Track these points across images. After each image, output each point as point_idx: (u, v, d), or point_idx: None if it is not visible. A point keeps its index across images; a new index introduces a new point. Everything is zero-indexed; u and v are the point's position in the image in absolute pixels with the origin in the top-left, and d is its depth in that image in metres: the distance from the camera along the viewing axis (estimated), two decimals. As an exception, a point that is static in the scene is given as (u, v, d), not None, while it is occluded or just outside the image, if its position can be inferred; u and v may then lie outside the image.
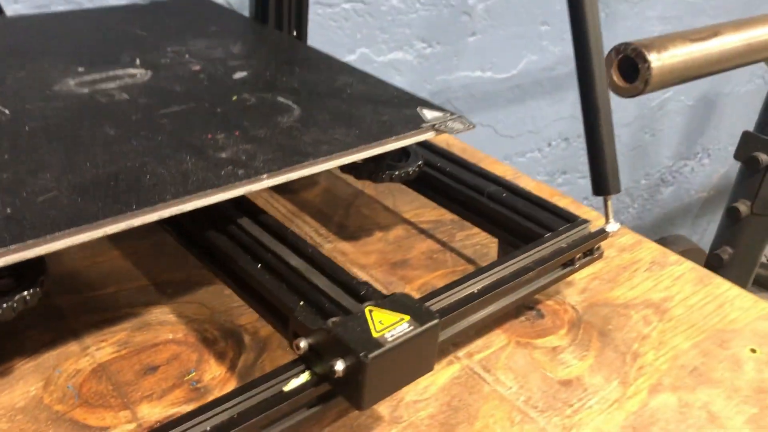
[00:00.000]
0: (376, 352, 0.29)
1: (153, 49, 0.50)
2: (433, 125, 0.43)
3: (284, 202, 0.54)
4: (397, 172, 0.45)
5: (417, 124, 0.43)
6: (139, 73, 0.46)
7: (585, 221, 0.45)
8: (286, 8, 0.58)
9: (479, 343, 0.43)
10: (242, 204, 0.40)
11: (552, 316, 0.45)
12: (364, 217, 0.53)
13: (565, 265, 0.44)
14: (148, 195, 0.33)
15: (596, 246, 0.45)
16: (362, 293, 0.34)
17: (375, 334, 0.30)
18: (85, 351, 0.39)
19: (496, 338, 0.43)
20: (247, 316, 0.42)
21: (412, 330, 0.31)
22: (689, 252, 1.36)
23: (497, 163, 0.63)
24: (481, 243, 0.51)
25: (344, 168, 0.46)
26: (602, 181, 0.46)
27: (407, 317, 0.31)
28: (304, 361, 0.31)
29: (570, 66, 1.37)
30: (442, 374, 0.40)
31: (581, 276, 0.49)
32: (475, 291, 0.37)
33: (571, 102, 1.44)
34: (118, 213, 0.32)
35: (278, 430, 0.30)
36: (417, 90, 1.16)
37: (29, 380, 0.36)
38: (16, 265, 0.30)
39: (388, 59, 1.10)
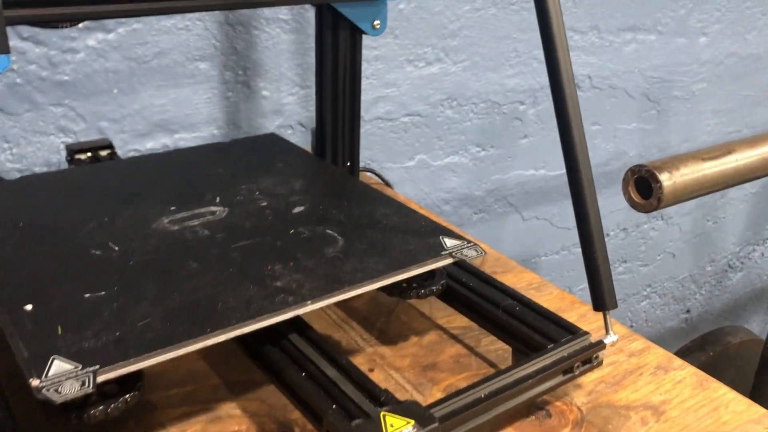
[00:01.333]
0: (385, 450, 0.38)
1: (230, 186, 0.62)
2: (451, 253, 0.53)
3: (335, 309, 0.63)
4: (423, 291, 0.54)
5: (437, 251, 0.53)
6: (218, 211, 0.58)
7: (585, 333, 0.53)
8: (340, 143, 0.70)
9: (492, 439, 0.50)
10: (293, 321, 0.50)
11: (558, 416, 0.52)
12: (402, 323, 0.62)
13: (565, 372, 0.51)
14: (219, 319, 0.44)
15: (594, 355, 0.52)
16: (382, 399, 0.43)
17: (386, 435, 0.39)
18: (169, 439, 0.49)
19: (508, 435, 0.51)
20: (298, 412, 0.51)
21: (415, 432, 0.39)
22: (747, 343, 1.37)
23: (525, 271, 0.71)
24: (503, 348, 0.59)
25: (379, 288, 0.55)
26: (599, 298, 0.54)
27: (412, 422, 0.40)
28: (334, 453, 0.40)
29: (622, 160, 1.44)
30: (456, 466, 0.47)
31: (590, 379, 0.56)
32: (481, 396, 0.46)
33: (626, 194, 1.49)
34: (197, 335, 0.42)
35: None
36: (473, 189, 1.26)
37: (126, 462, 0.47)
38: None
39: (444, 163, 1.21)
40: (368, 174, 0.96)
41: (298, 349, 0.47)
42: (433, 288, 0.55)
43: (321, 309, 0.63)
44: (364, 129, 1.09)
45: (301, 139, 1.05)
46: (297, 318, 0.50)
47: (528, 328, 0.53)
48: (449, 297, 0.59)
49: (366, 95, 1.07)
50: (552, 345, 0.51)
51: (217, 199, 0.60)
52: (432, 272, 0.57)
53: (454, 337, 0.61)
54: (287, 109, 1.02)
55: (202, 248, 0.52)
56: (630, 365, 0.58)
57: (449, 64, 1.14)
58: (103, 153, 0.74)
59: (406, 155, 1.17)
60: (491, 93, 1.20)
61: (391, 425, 0.39)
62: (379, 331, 0.61)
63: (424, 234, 0.55)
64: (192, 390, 0.53)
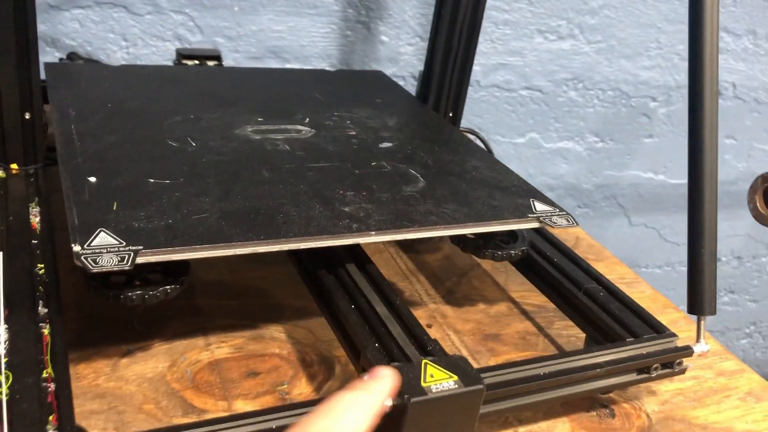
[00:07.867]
0: (419, 398, 0.34)
1: (323, 111, 0.59)
2: (539, 217, 0.48)
3: (406, 260, 0.60)
4: (500, 253, 0.50)
5: (524, 213, 0.48)
6: (305, 130, 0.55)
7: (672, 334, 0.47)
8: (445, 92, 0.66)
9: (543, 425, 0.45)
10: (355, 252, 0.46)
11: (623, 418, 0.47)
12: (473, 288, 0.58)
13: (640, 371, 0.45)
14: (276, 230, 0.41)
15: (678, 361, 0.46)
16: (429, 348, 0.39)
17: (423, 384, 0.35)
18: (208, 347, 0.47)
19: (561, 425, 0.46)
20: (342, 350, 0.48)
21: (455, 388, 0.35)
22: None
23: (619, 264, 0.65)
24: (576, 336, 0.54)
25: (453, 240, 0.51)
26: (697, 300, 0.47)
27: (456, 377, 0.36)
28: (364, 393, 0.37)
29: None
30: (498, 443, 0.43)
31: (667, 388, 0.50)
32: (539, 374, 0.41)
33: (750, 222, 1.38)
34: (248, 240, 0.40)
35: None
36: (582, 180, 1.19)
37: (160, 359, 0.45)
38: (167, 264, 0.39)
39: (557, 147, 1.14)
40: (471, 136, 0.91)
41: (353, 280, 0.44)
42: (512, 252, 0.50)
43: (392, 256, 0.60)
44: (478, 95, 1.04)
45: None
46: (358, 249, 0.47)
47: (608, 317, 0.48)
48: (529, 269, 0.54)
49: (487, 59, 1.02)
50: (632, 339, 0.46)
51: (307, 120, 0.57)
52: (514, 237, 0.53)
53: (525, 313, 0.56)
54: (403, 59, 0.99)
55: (279, 161, 0.49)
56: (717, 384, 0.52)
57: (582, 42, 1.07)
58: (210, 63, 0.73)
59: (517, 131, 1.11)
60: (622, 82, 1.12)
61: (431, 375, 0.35)
62: (447, 291, 0.57)
63: (514, 193, 0.51)
64: (243, 305, 0.51)
